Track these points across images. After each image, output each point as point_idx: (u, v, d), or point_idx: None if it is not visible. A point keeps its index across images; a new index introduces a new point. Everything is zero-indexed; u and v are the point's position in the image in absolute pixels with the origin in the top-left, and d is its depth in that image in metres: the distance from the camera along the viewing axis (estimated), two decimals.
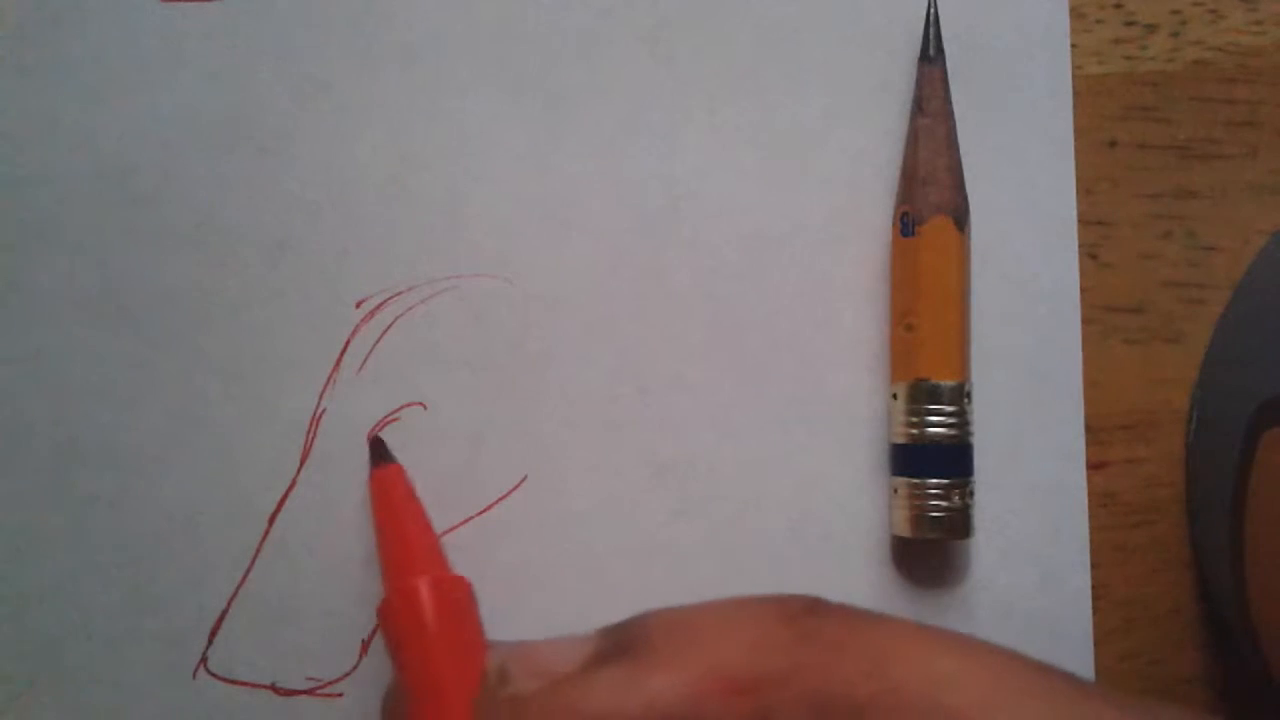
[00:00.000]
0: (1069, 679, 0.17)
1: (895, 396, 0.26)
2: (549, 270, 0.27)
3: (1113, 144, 0.28)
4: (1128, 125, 0.28)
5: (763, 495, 0.27)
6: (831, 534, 0.27)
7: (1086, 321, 0.27)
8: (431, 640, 0.21)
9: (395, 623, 0.22)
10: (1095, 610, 0.27)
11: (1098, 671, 0.27)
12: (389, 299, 0.26)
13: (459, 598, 0.23)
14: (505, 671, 0.20)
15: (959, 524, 0.25)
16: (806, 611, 0.18)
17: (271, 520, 0.26)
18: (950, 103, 0.26)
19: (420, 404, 0.26)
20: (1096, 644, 0.27)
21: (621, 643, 0.19)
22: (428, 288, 0.26)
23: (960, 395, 0.26)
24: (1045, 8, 0.27)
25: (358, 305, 0.26)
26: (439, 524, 0.26)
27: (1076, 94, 0.27)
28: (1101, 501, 0.27)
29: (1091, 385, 0.27)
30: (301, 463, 0.26)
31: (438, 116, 0.27)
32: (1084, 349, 0.27)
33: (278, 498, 0.26)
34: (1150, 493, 0.28)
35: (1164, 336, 0.28)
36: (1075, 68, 0.28)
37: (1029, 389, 0.27)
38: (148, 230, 0.26)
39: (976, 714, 0.16)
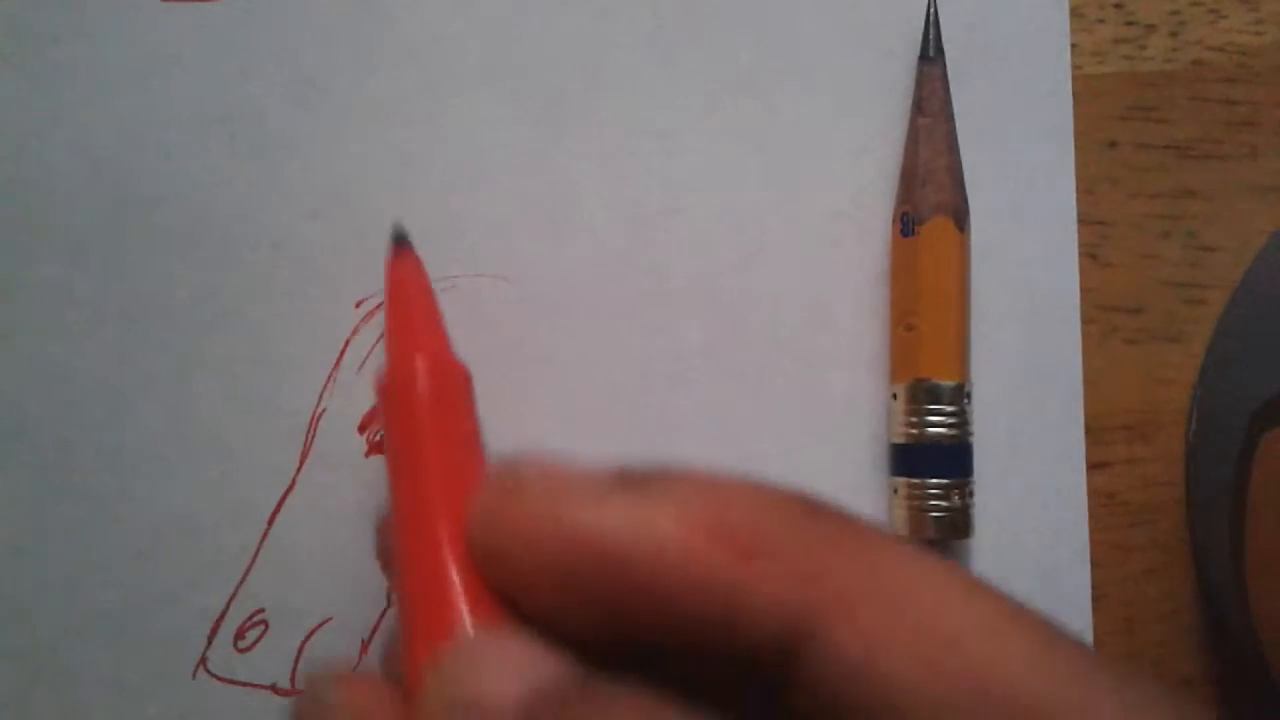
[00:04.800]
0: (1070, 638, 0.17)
1: (895, 396, 0.26)
2: (549, 270, 0.27)
3: (1113, 144, 0.28)
4: (1128, 125, 0.28)
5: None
6: None
7: (1086, 321, 0.27)
8: (429, 416, 0.21)
9: (394, 397, 0.21)
10: (1095, 610, 0.27)
11: None
12: None
13: (460, 381, 0.22)
14: (518, 469, 0.19)
15: (959, 524, 0.25)
16: (826, 508, 0.18)
17: (271, 520, 0.26)
18: (950, 103, 0.26)
19: None
20: (1096, 644, 0.27)
21: (640, 476, 0.18)
22: None
23: (960, 395, 0.26)
24: (1045, 8, 0.27)
25: (357, 305, 0.26)
26: None
27: (1076, 94, 0.27)
28: (1101, 501, 0.27)
29: (1091, 385, 0.27)
30: (301, 463, 0.26)
31: (438, 116, 0.27)
32: (1084, 349, 0.27)
33: (278, 498, 0.26)
34: (1150, 493, 0.28)
35: (1164, 336, 0.28)
36: (1075, 68, 0.28)
37: (1029, 389, 0.27)
38: (147, 230, 0.26)
39: (962, 631, 0.16)
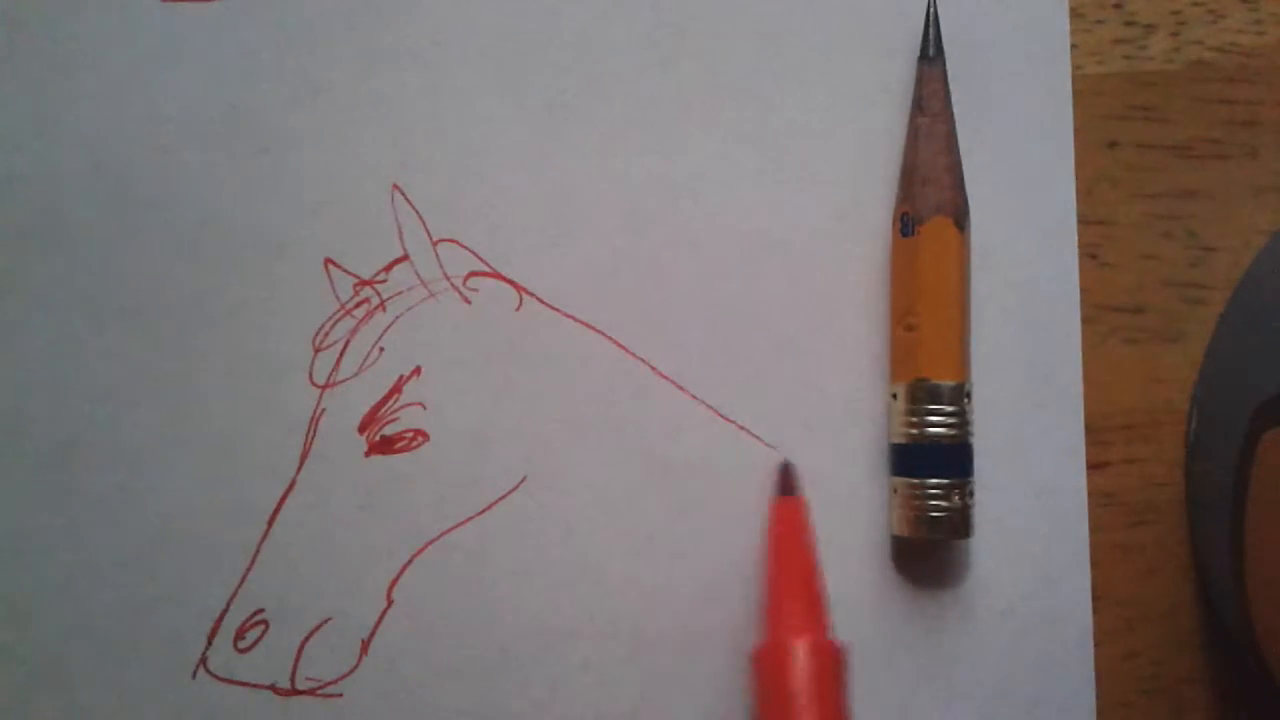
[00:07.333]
0: None
1: (895, 396, 0.26)
2: (549, 270, 0.27)
3: (1113, 144, 0.28)
4: (1128, 125, 0.28)
5: (763, 495, 0.27)
6: (831, 534, 0.27)
7: (1086, 321, 0.27)
8: (802, 699, 0.22)
9: (767, 676, 0.23)
10: (1095, 610, 0.27)
11: (1098, 671, 0.27)
12: (389, 299, 0.26)
13: (833, 663, 0.23)
14: None
15: (959, 524, 0.25)
16: None
17: (271, 520, 0.26)
18: (950, 103, 0.26)
19: (420, 404, 0.26)
20: (1096, 644, 0.27)
21: None
22: (428, 288, 0.26)
23: (960, 395, 0.26)
24: (1045, 8, 0.27)
25: (358, 305, 0.26)
26: (439, 524, 0.26)
27: (1076, 94, 0.27)
28: (1101, 501, 0.27)
29: (1091, 385, 0.27)
30: (301, 463, 0.26)
31: (438, 116, 0.27)
32: (1084, 349, 0.27)
33: (278, 498, 0.26)
34: (1150, 493, 0.28)
35: (1164, 336, 0.28)
36: (1075, 68, 0.28)
37: (1029, 389, 0.27)
38: (148, 230, 0.26)
39: None
